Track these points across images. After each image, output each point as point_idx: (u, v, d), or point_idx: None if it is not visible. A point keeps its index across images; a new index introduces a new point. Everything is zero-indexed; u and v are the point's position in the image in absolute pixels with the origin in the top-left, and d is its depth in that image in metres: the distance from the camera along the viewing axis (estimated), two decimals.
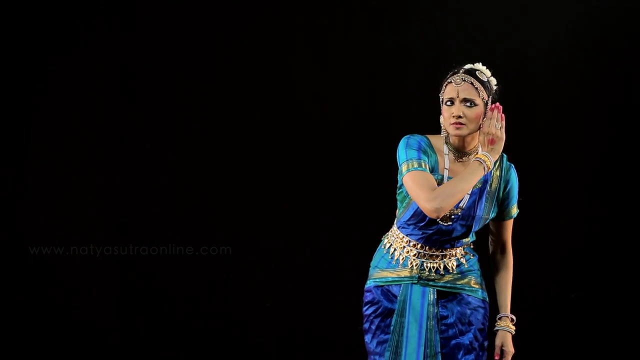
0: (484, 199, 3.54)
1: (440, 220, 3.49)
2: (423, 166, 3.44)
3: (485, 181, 3.53)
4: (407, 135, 3.57)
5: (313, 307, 5.77)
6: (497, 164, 3.56)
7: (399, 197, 3.61)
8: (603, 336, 5.77)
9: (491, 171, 3.54)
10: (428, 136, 3.58)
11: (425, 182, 3.40)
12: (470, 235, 3.62)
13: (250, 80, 5.76)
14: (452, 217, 3.52)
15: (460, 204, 3.49)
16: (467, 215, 3.53)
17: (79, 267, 5.68)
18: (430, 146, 3.54)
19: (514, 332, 3.65)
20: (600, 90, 5.72)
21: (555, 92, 5.73)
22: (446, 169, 3.52)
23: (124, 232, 5.71)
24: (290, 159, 5.77)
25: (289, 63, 5.75)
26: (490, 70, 3.58)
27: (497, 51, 5.69)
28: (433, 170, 3.49)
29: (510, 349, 3.61)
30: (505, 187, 3.60)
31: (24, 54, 5.64)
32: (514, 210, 3.65)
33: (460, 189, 3.37)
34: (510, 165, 3.61)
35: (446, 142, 3.55)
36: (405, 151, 3.51)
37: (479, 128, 3.48)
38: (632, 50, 5.68)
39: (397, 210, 3.66)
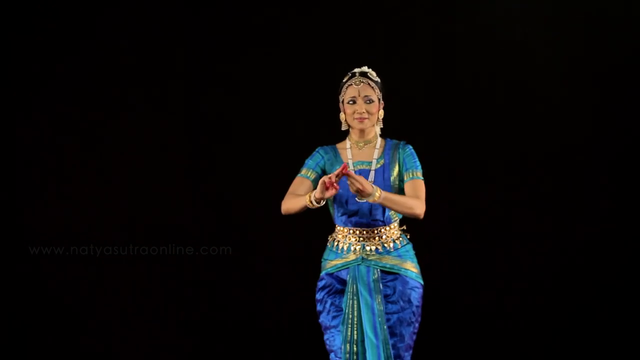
0: (389, 173, 4.17)
1: (357, 198, 4.10)
2: (304, 173, 4.22)
3: (387, 163, 4.19)
4: None
5: (313, 307, 5.69)
6: (393, 153, 4.19)
7: (328, 201, 4.24)
8: (604, 336, 5.68)
9: (389, 161, 4.17)
10: (336, 144, 4.28)
11: (293, 187, 4.19)
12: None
13: (251, 81, 5.76)
14: None
15: (369, 179, 4.16)
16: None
17: (79, 267, 5.72)
18: (333, 148, 4.26)
19: (376, 195, 3.93)
20: (605, 86, 5.65)
21: (561, 87, 5.68)
22: (350, 158, 4.20)
23: (124, 232, 5.74)
24: (291, 159, 5.72)
25: (298, 66, 5.76)
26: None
27: (498, 48, 5.68)
28: (332, 165, 4.21)
29: (359, 179, 3.89)
30: (401, 161, 4.20)
31: (26, 53, 5.73)
32: (413, 174, 4.16)
33: (292, 206, 4.12)
34: (405, 146, 4.22)
35: (348, 139, 4.24)
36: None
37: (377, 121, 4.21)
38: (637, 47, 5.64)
39: (330, 211, 4.28)
